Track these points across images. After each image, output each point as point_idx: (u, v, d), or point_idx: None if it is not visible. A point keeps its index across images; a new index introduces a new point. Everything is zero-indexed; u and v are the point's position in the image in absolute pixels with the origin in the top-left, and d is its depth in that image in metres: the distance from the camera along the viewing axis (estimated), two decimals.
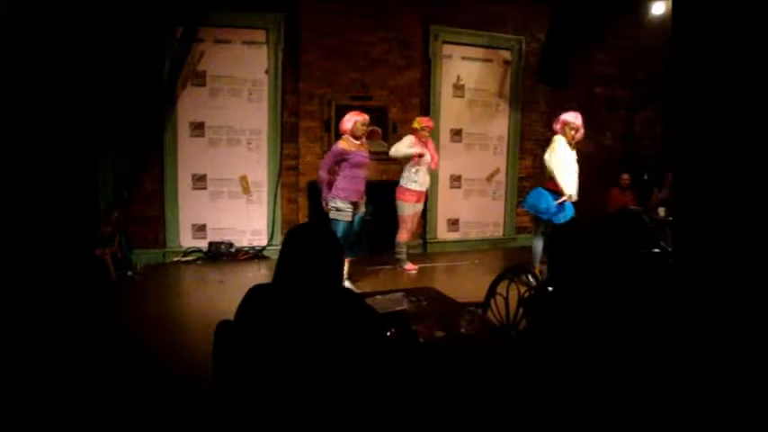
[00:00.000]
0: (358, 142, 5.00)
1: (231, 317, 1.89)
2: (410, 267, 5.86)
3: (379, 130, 6.35)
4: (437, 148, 7.05)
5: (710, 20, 2.24)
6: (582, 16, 6.67)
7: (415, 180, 5.67)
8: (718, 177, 2.27)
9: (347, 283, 4.93)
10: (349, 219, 4.91)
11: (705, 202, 2.36)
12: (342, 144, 4.95)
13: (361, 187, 5.02)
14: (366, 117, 5.04)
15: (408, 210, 5.72)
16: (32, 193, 4.93)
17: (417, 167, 5.65)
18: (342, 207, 4.89)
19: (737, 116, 2.16)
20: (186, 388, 3.02)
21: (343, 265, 2.05)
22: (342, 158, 4.91)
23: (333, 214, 4.92)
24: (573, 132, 5.11)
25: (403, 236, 5.78)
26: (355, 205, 4.98)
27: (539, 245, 5.29)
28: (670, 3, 4.02)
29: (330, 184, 4.96)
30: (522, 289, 3.06)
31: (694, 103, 2.37)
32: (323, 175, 4.97)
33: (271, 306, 1.76)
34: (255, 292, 1.82)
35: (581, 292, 1.94)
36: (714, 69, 2.24)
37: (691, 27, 2.38)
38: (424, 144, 5.73)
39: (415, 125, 5.73)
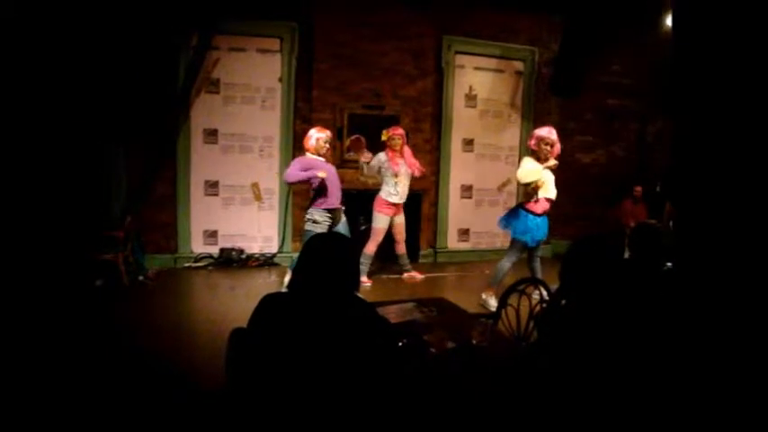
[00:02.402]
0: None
1: (242, 323, 1.89)
2: (365, 281, 5.61)
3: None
4: (448, 158, 7.11)
5: (710, 33, 2.25)
6: (595, 28, 6.65)
7: (394, 193, 5.55)
8: (719, 188, 2.25)
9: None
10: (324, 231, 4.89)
11: (707, 211, 2.34)
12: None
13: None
14: (329, 133, 5.10)
15: (383, 222, 5.59)
16: (46, 197, 4.99)
17: (396, 180, 5.55)
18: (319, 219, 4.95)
19: (739, 125, 2.15)
20: (196, 392, 3.02)
21: (359, 276, 2.06)
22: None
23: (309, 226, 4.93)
24: (548, 148, 4.79)
25: (371, 248, 5.61)
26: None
27: (506, 265, 4.96)
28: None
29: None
30: (534, 301, 3.04)
31: (696, 114, 2.36)
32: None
33: (285, 314, 1.77)
34: (269, 301, 1.83)
35: (595, 305, 1.92)
36: (714, 79, 2.23)
37: (691, 39, 2.37)
38: (400, 154, 5.58)
39: (383, 138, 5.58)
